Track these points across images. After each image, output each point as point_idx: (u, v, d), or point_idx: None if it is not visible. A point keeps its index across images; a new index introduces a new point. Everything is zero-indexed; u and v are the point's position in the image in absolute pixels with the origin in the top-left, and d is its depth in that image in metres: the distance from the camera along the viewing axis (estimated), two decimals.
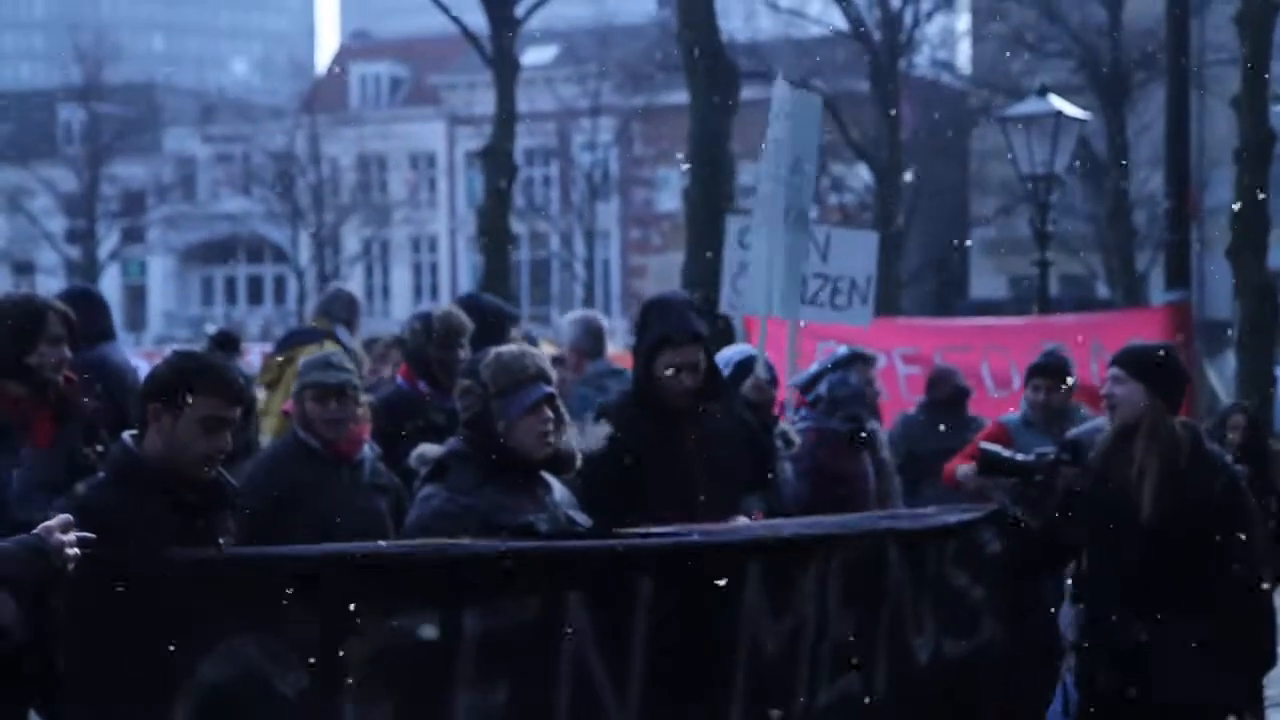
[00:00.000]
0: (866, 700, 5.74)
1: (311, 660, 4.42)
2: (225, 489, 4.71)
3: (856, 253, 9.28)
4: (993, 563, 6.25)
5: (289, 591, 4.45)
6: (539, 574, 4.89)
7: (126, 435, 4.71)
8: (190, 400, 4.57)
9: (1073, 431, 7.12)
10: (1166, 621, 6.00)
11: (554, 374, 5.58)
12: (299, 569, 4.56)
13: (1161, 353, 6.36)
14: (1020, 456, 6.98)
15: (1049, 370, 8.74)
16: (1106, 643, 6.13)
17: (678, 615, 5.08)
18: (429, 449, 5.53)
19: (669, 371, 6.17)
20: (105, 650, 4.15)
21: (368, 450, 6.52)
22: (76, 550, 4.04)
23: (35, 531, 4.03)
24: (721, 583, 5.24)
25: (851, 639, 5.68)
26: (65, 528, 4.06)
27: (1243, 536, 6.07)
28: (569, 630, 4.86)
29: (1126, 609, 6.06)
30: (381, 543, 5.06)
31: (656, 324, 6.28)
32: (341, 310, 10.28)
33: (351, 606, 4.51)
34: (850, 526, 6.01)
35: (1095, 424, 7.09)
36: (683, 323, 6.30)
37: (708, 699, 5.22)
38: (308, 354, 9.12)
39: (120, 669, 4.19)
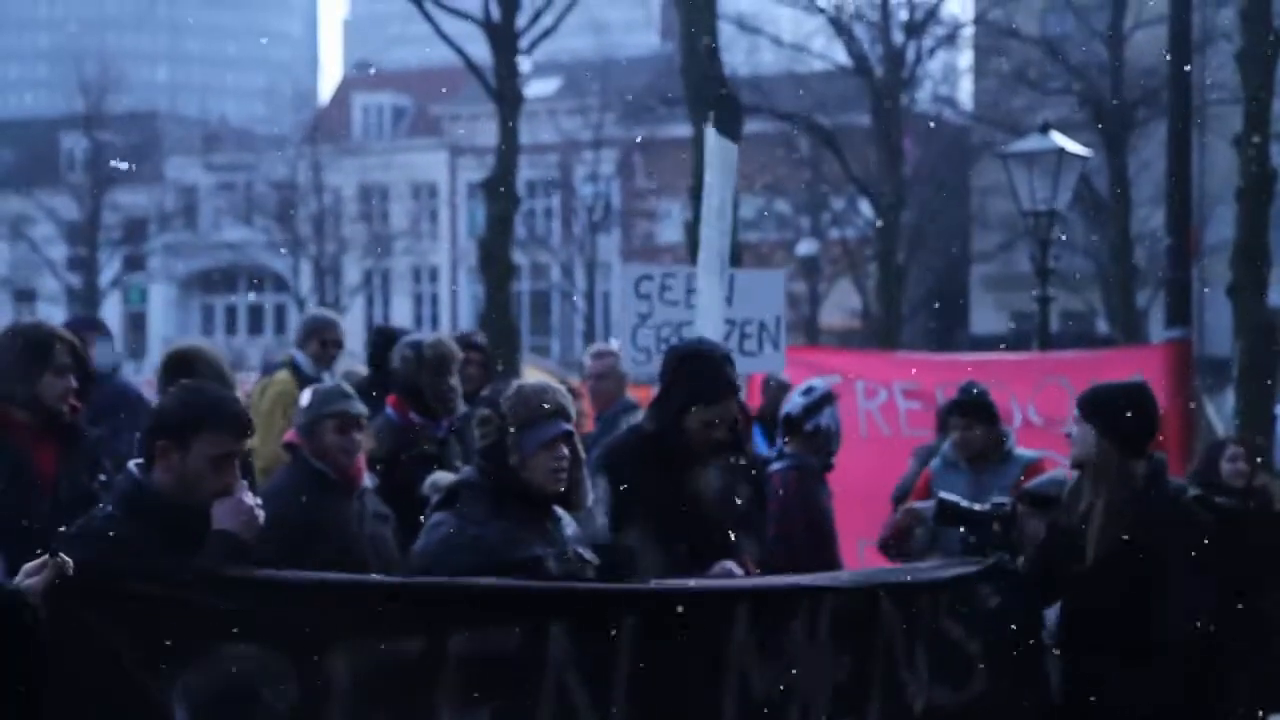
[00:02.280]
0: None
1: (300, 675, 4.46)
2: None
3: (763, 294, 8.95)
4: (990, 616, 6.20)
5: (277, 608, 4.50)
6: (521, 603, 4.93)
7: (133, 466, 4.72)
8: (199, 437, 4.58)
9: (1032, 483, 7.11)
10: (1104, 664, 6.07)
11: (574, 411, 5.57)
12: (288, 591, 4.61)
13: (1121, 393, 6.34)
14: (978, 507, 6.99)
15: (965, 408, 8.58)
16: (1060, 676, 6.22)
17: (662, 657, 5.07)
18: (442, 476, 5.55)
19: (704, 427, 6.17)
20: (96, 656, 4.20)
21: (368, 480, 6.55)
22: (40, 584, 4.07)
23: (18, 584, 4.08)
24: (707, 625, 5.25)
25: (845, 686, 5.66)
26: (32, 572, 4.10)
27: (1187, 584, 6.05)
28: (552, 660, 4.88)
29: (1068, 649, 6.16)
30: (373, 575, 5.11)
31: (691, 378, 6.24)
32: (301, 336, 9.78)
33: (337, 626, 4.55)
34: (840, 582, 6.01)
35: (1052, 476, 7.09)
36: (719, 379, 6.27)
37: None
38: (276, 386, 9.07)
39: (110, 673, 4.24)
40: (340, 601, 4.65)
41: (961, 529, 7.04)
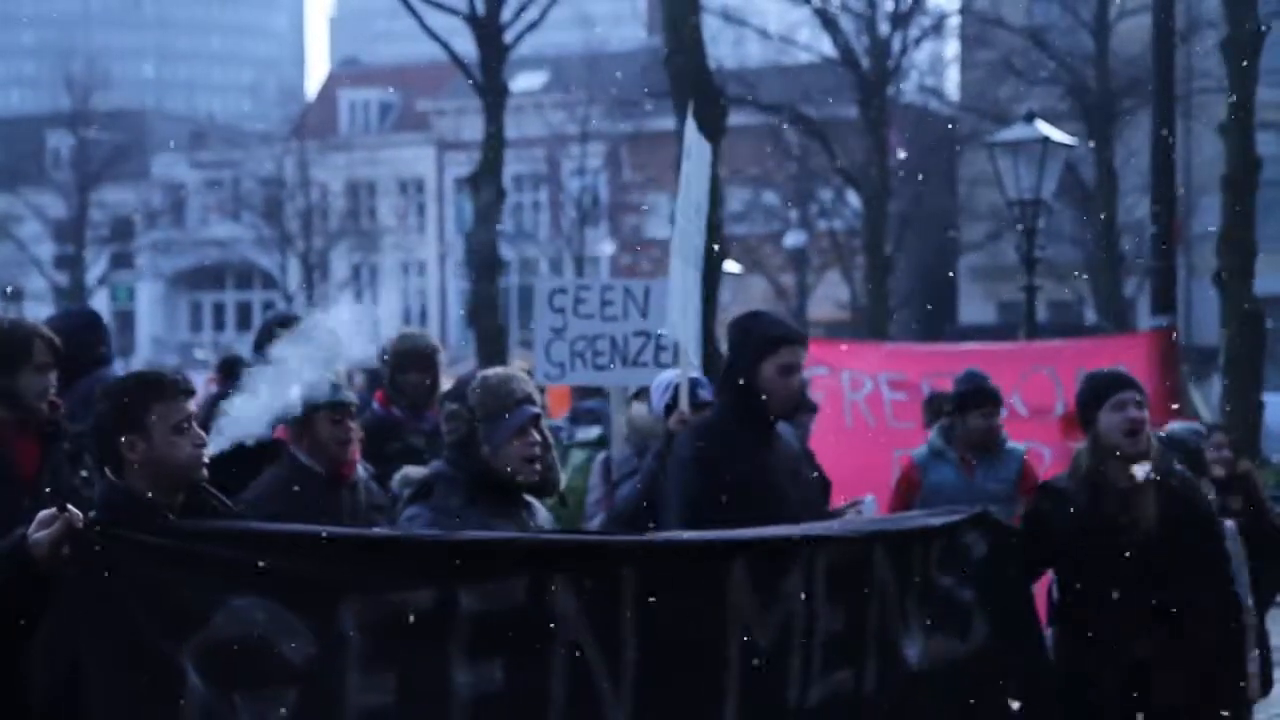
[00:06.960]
0: (859, 699, 5.75)
1: (314, 629, 4.51)
2: (210, 496, 4.79)
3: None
4: (980, 565, 6.27)
5: (286, 562, 4.53)
6: (523, 557, 4.96)
7: (108, 473, 4.70)
8: (154, 415, 4.61)
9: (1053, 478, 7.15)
10: (1163, 639, 6.21)
11: (539, 397, 5.61)
12: (295, 543, 4.64)
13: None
14: None
15: (978, 396, 8.64)
16: (1108, 663, 6.27)
17: (664, 606, 5.10)
18: (412, 471, 5.57)
19: (781, 373, 6.11)
20: (110, 615, 4.28)
21: (361, 470, 6.52)
22: (49, 536, 4.19)
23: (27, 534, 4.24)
24: (705, 574, 5.29)
25: (841, 636, 5.68)
26: (45, 523, 4.21)
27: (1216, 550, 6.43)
28: (558, 614, 4.90)
29: (1126, 629, 6.24)
30: (375, 529, 5.17)
31: (762, 329, 6.19)
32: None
33: (347, 579, 4.59)
34: (835, 531, 6.02)
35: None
36: (788, 326, 6.28)
37: (702, 689, 5.24)
38: None
39: (125, 633, 4.30)
40: (346, 555, 4.67)
41: None
